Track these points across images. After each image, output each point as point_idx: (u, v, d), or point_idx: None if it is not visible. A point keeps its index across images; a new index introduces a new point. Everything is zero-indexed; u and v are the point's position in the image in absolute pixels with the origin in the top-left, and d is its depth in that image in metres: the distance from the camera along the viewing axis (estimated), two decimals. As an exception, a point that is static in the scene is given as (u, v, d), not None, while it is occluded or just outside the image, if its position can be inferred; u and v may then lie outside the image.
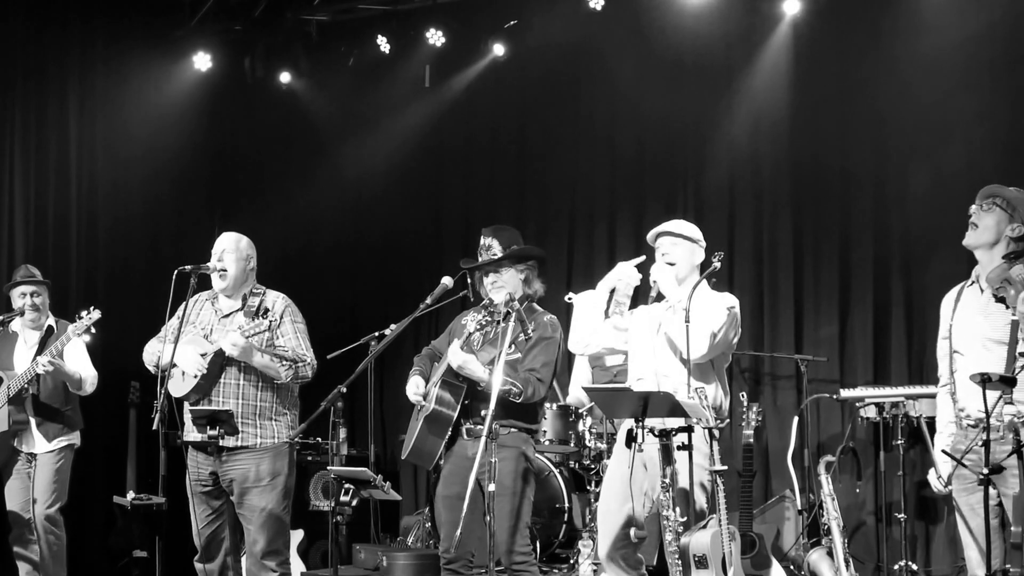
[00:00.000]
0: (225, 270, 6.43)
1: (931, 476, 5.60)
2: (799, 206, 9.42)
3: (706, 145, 9.81)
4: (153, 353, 6.47)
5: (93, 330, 7.33)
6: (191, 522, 6.45)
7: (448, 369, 5.98)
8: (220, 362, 6.29)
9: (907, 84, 8.96)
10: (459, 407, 5.98)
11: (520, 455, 5.97)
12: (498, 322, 6.08)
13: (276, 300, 6.49)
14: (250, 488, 6.28)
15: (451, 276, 6.29)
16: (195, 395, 6.31)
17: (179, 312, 6.42)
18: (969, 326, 5.44)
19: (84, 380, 7.54)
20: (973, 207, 5.45)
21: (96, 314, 7.29)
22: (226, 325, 6.37)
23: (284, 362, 6.30)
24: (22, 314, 7.61)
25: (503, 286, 6.09)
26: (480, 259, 6.22)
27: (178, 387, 6.34)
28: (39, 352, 7.45)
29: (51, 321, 7.65)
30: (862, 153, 9.22)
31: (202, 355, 6.26)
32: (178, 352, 6.24)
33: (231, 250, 6.48)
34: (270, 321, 6.24)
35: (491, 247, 6.17)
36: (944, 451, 5.42)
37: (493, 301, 6.12)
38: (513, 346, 5.89)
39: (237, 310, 6.45)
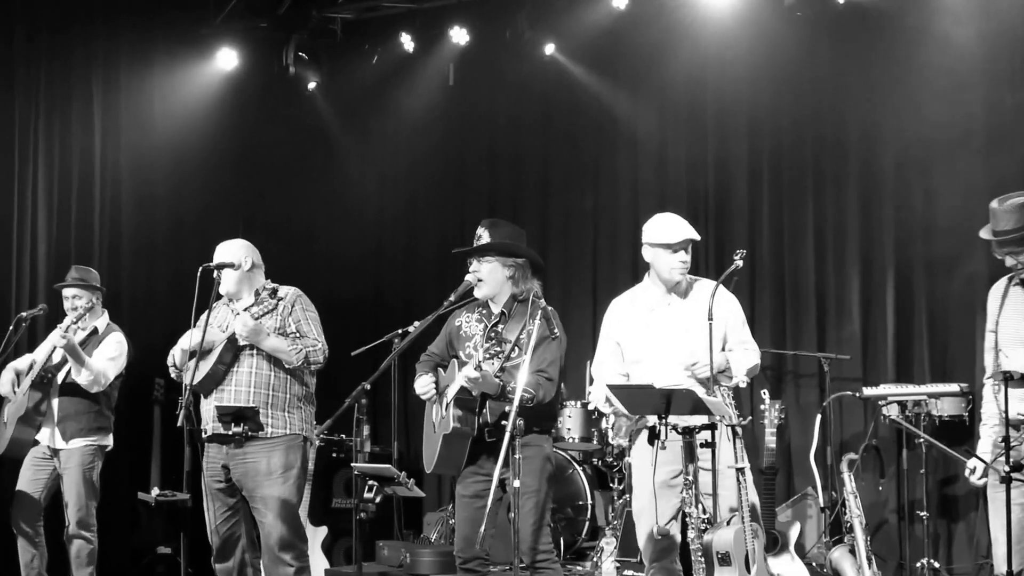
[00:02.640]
0: (219, 283, 6.44)
1: (967, 469, 5.62)
2: (821, 203, 9.40)
3: (727, 143, 9.81)
4: (172, 355, 6.52)
5: (110, 322, 7.34)
6: (207, 521, 6.47)
7: (461, 387, 5.89)
8: (234, 350, 6.30)
9: (931, 81, 8.93)
10: (477, 419, 5.92)
11: (543, 454, 5.95)
12: (496, 323, 6.04)
13: (288, 291, 6.52)
14: (262, 480, 6.28)
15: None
16: (209, 383, 6.31)
17: (202, 321, 6.47)
18: (1013, 327, 5.48)
19: (90, 372, 7.37)
20: None
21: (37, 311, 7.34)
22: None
23: (295, 344, 6.30)
24: (44, 310, 7.67)
25: (482, 279, 6.03)
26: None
27: (192, 376, 6.36)
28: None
29: (99, 323, 7.64)
30: (884, 149, 9.19)
31: (212, 344, 6.30)
32: (185, 337, 6.33)
33: (229, 265, 6.45)
34: (278, 300, 6.28)
35: (481, 237, 6.11)
36: (967, 450, 5.45)
37: (476, 296, 6.08)
38: (517, 349, 5.86)
39: (251, 305, 6.46)
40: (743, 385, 5.99)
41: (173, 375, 6.54)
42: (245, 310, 6.27)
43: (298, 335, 6.37)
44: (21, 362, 7.64)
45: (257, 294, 6.46)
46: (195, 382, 6.28)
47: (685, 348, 5.94)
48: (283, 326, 6.37)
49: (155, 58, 10.35)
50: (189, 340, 6.33)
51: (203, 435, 6.41)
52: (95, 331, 7.53)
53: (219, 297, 6.48)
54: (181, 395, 6.16)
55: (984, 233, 5.65)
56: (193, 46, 10.64)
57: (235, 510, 6.43)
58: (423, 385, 6.14)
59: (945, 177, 8.86)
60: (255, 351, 6.31)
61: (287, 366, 6.35)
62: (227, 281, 6.45)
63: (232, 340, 6.26)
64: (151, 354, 9.28)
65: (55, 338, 7.23)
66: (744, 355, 6.05)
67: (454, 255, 6.31)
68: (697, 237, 6.11)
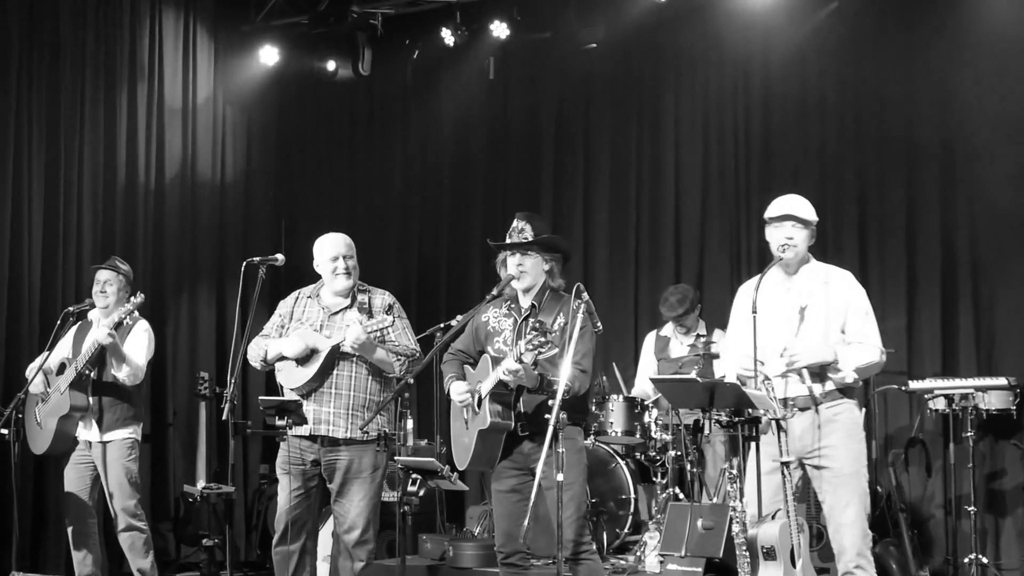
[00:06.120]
0: (349, 273, 6.54)
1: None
2: (865, 195, 9.35)
3: (769, 132, 9.78)
4: (260, 347, 6.58)
5: (136, 312, 7.36)
6: (277, 502, 6.53)
7: (498, 382, 5.90)
8: (334, 356, 6.38)
9: (976, 70, 8.86)
10: (514, 413, 5.94)
11: (577, 446, 5.96)
12: (527, 317, 6.03)
13: (384, 297, 6.61)
14: (352, 478, 6.39)
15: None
16: (308, 387, 6.39)
17: (281, 308, 6.61)
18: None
19: (129, 367, 7.41)
20: None
21: (139, 299, 7.33)
22: (336, 322, 6.47)
23: (400, 357, 6.41)
24: (93, 306, 7.69)
25: (526, 272, 6.07)
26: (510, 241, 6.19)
27: (291, 378, 6.44)
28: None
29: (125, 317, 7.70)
30: (930, 140, 9.13)
31: (314, 349, 6.36)
32: (286, 343, 6.41)
33: (351, 255, 6.59)
34: (393, 319, 6.38)
35: (523, 231, 6.15)
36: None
37: (515, 288, 6.10)
38: (549, 343, 5.86)
39: (346, 307, 6.53)
40: (849, 381, 5.82)
41: (255, 359, 6.58)
42: (360, 323, 6.30)
43: (397, 345, 6.47)
44: (49, 361, 7.63)
45: (354, 297, 6.53)
46: (296, 386, 6.40)
47: (784, 335, 5.83)
48: (384, 334, 6.47)
49: (197, 55, 10.41)
50: (282, 343, 6.44)
51: (288, 430, 6.42)
52: (121, 324, 7.54)
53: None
54: (226, 388, 6.20)
55: None
56: (234, 43, 10.73)
57: (309, 493, 6.49)
58: (459, 393, 6.13)
59: (989, 167, 8.79)
60: (357, 357, 6.40)
61: (387, 375, 6.47)
62: (349, 279, 6.53)
63: (334, 348, 6.34)
64: (195, 348, 9.38)
65: (100, 335, 7.27)
66: (856, 351, 5.85)
67: (495, 248, 6.31)
68: (803, 215, 5.97)
